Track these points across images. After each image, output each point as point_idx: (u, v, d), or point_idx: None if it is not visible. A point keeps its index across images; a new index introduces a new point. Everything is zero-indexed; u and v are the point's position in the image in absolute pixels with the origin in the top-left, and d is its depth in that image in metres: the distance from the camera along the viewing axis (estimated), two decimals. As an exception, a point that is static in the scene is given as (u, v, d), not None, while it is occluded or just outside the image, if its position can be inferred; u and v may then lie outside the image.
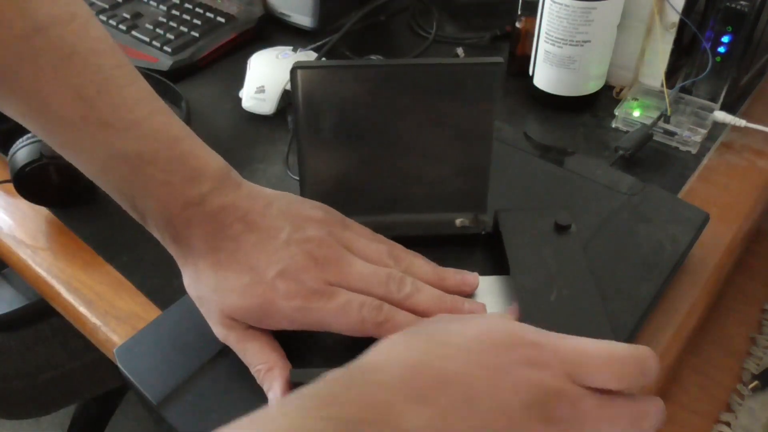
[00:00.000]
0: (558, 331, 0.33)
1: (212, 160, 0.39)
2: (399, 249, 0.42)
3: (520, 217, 0.43)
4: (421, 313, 0.38)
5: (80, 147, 0.37)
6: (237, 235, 0.38)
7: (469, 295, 0.41)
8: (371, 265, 0.39)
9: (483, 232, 0.44)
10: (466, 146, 0.43)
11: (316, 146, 0.43)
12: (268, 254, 0.38)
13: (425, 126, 0.43)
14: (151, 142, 0.37)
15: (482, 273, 0.42)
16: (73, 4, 0.36)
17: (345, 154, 0.44)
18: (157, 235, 0.40)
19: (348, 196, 0.44)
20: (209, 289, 0.38)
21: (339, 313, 0.36)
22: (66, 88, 0.35)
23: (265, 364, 0.37)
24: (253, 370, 0.38)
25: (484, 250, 0.45)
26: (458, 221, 0.45)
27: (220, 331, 0.39)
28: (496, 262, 0.43)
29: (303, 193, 0.44)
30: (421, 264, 0.41)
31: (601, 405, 0.29)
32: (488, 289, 0.42)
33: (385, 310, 0.37)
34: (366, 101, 0.42)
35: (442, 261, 0.43)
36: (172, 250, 0.40)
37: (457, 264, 0.43)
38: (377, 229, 0.43)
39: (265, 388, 0.37)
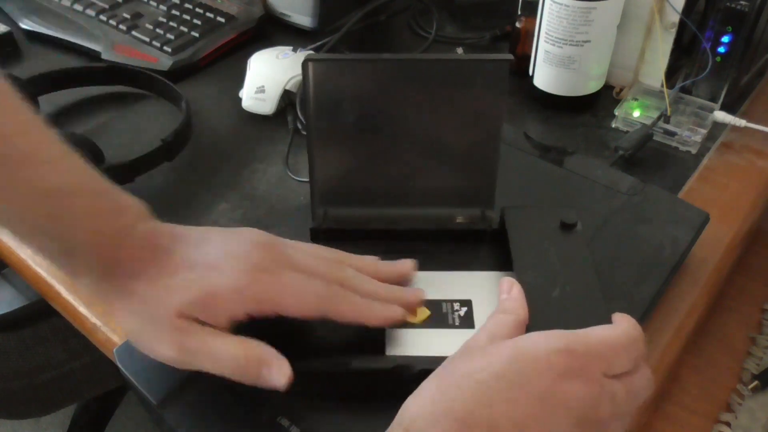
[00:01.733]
0: (560, 327, 0.33)
1: (133, 199, 0.39)
2: (343, 255, 0.41)
3: (526, 214, 0.43)
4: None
5: (1, 187, 0.35)
6: (171, 246, 0.37)
7: (405, 282, 0.41)
8: (313, 257, 0.39)
9: (490, 229, 0.45)
10: (474, 142, 0.43)
11: (326, 138, 0.43)
12: (205, 251, 0.37)
13: (435, 121, 0.43)
14: (73, 177, 0.36)
15: (487, 269, 0.43)
16: None
17: (354, 147, 0.44)
18: (86, 278, 0.37)
19: (356, 189, 0.45)
20: (148, 307, 0.36)
21: (291, 289, 0.36)
22: None
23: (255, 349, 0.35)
24: (237, 364, 0.35)
25: (490, 246, 0.45)
26: (458, 218, 0.45)
27: (172, 342, 0.35)
28: (501, 259, 0.43)
29: (312, 185, 0.45)
30: (365, 265, 0.41)
31: (628, 389, 0.32)
32: (490, 284, 0.42)
33: (342, 286, 0.37)
34: (376, 95, 0.42)
35: (447, 256, 0.43)
36: (103, 288, 0.37)
37: (462, 260, 0.44)
38: (385, 222, 0.43)
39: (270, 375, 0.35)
